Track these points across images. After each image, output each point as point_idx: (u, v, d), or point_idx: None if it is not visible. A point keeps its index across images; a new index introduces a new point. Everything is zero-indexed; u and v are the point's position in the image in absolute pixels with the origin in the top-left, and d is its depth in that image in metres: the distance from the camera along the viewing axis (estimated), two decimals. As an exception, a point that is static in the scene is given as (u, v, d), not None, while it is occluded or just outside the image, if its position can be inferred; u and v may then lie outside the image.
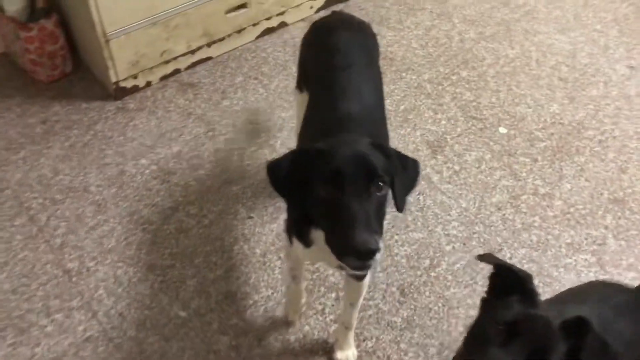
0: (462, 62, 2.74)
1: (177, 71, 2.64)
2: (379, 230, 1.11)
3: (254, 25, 2.75)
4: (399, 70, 2.70)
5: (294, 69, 2.39)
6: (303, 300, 1.80)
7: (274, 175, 1.23)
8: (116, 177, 2.23)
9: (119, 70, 2.43)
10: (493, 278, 1.16)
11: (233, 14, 2.64)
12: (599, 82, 2.64)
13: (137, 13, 2.34)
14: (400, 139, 2.38)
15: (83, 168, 2.25)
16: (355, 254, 1.06)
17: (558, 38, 2.87)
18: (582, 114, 2.50)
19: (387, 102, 2.52)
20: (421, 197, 2.17)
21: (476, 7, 3.07)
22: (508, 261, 1.13)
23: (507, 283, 1.12)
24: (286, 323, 1.82)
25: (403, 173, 1.21)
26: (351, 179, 1.10)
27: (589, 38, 2.87)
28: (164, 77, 2.61)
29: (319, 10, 2.99)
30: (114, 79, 2.45)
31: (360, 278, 1.48)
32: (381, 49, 2.77)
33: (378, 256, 1.06)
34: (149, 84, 2.58)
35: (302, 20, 2.94)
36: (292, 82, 2.19)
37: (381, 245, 1.08)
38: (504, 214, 2.12)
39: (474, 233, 2.06)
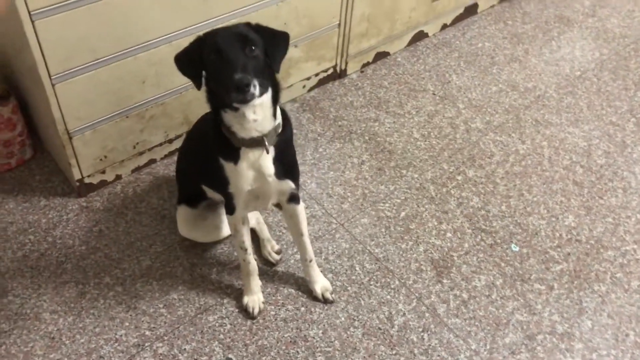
0: (468, 159, 2.49)
1: (152, 161, 2.35)
2: (253, 76, 1.42)
3: (240, 109, 2.46)
4: (398, 166, 2.43)
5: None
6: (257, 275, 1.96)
7: (181, 63, 1.55)
8: (74, 301, 1.92)
9: (83, 167, 2.13)
10: None
11: (217, 99, 2.36)
12: (617, 189, 2.41)
13: (106, 107, 2.05)
14: (401, 255, 2.11)
15: (37, 288, 1.95)
16: (234, 89, 1.40)
17: (571, 131, 2.64)
18: (601, 228, 2.26)
19: (386, 206, 2.28)
20: (426, 336, 1.90)
21: (482, 89, 2.83)
22: None
23: None
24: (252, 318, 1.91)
25: (273, 42, 1.55)
26: (228, 45, 1.45)
27: (604, 132, 2.65)
28: (137, 169, 2.32)
29: (311, 89, 2.73)
30: (77, 177, 2.15)
31: (296, 201, 1.82)
32: (379, 139, 2.54)
33: (253, 89, 1.40)
34: (118, 177, 2.28)
35: (293, 100, 2.68)
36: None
37: (256, 82, 1.41)
38: (519, 360, 1.86)
39: (486, 386, 1.80)
